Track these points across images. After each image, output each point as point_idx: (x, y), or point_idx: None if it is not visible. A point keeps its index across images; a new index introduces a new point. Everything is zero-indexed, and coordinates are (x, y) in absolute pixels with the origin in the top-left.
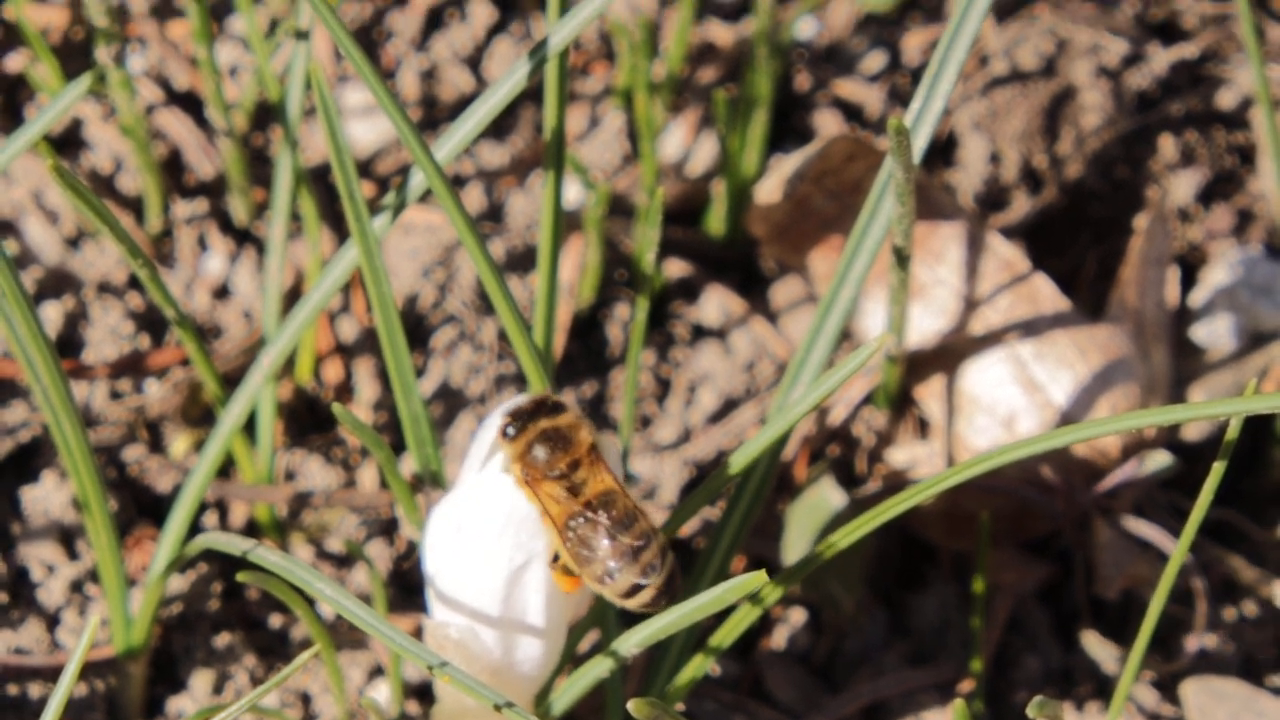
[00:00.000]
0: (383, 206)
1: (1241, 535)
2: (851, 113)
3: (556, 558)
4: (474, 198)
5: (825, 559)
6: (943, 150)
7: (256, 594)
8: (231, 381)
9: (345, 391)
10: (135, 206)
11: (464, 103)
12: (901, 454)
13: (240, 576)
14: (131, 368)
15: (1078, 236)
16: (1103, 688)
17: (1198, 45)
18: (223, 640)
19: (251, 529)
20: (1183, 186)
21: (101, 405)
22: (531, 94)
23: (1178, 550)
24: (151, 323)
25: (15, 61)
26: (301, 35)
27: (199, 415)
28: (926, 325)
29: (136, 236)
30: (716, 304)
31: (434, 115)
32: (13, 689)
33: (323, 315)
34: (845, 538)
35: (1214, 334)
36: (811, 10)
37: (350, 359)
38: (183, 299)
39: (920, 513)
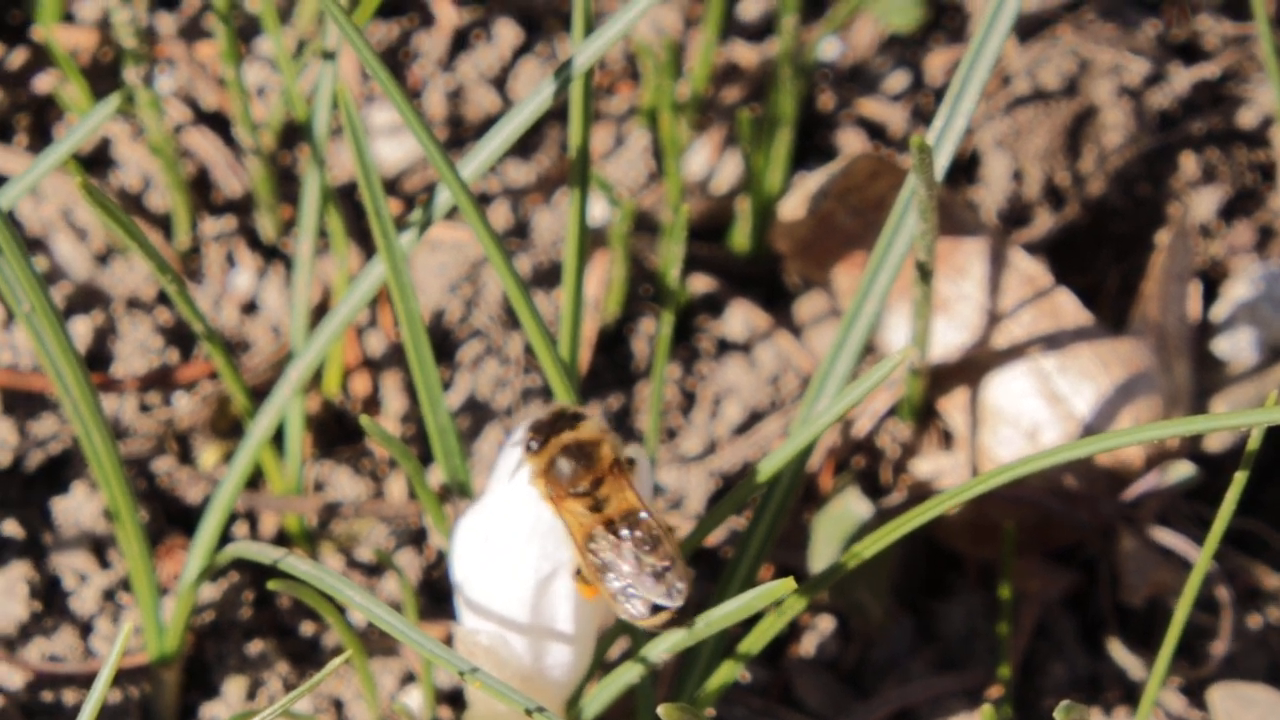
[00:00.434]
0: (409, 223)
1: (1264, 544)
2: (875, 131)
3: (579, 570)
4: (500, 215)
5: (852, 567)
6: (966, 168)
7: (288, 602)
8: (260, 395)
9: (373, 404)
10: (164, 224)
11: (490, 122)
12: (926, 465)
13: (271, 584)
14: (160, 381)
15: (1100, 252)
16: (1129, 694)
17: (1219, 65)
18: (255, 648)
19: (281, 539)
20: (1204, 203)
21: (131, 418)
22: (557, 113)
23: (1202, 558)
24: (180, 337)
25: (45, 82)
26: (328, 56)
27: (228, 427)
28: (950, 339)
29: (165, 253)
30: (741, 318)
31: (460, 134)
32: (47, 696)
33: (350, 330)
34: (871, 546)
35: (1236, 347)
36: (835, 31)
37: (378, 372)
38: (211, 314)
39: (945, 522)
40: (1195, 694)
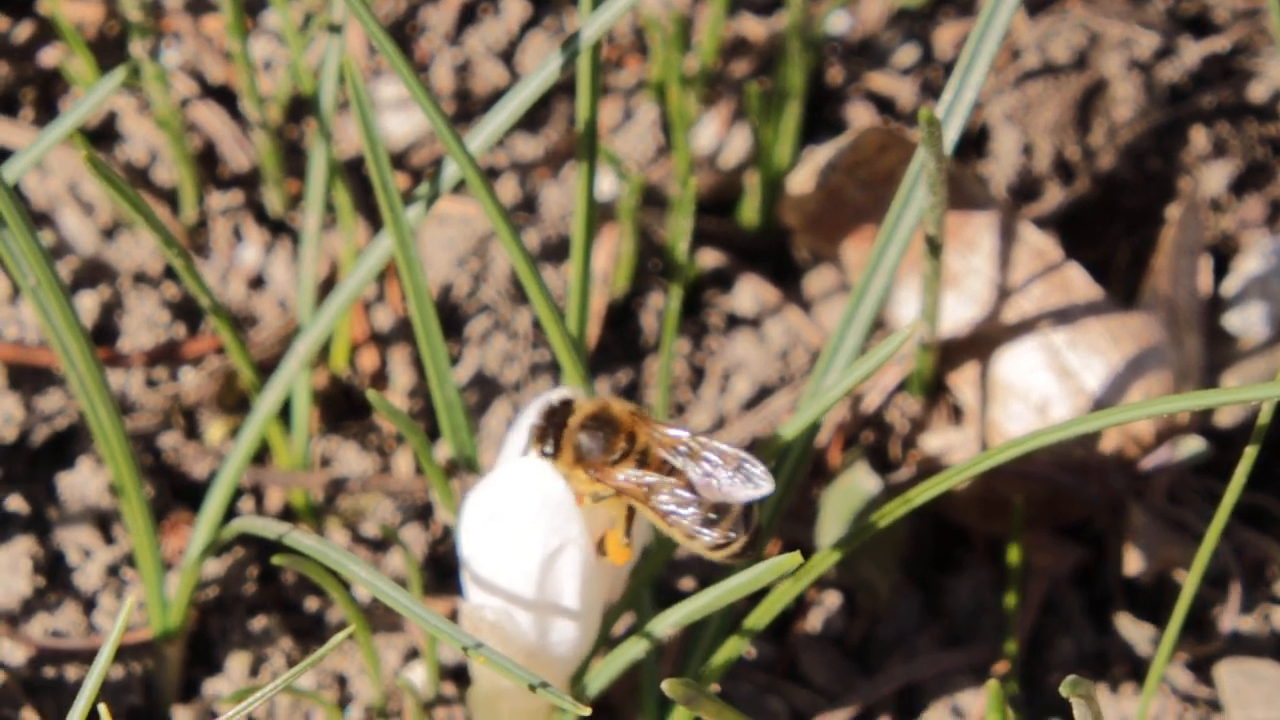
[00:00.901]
0: (417, 197)
1: (1274, 519)
2: (884, 105)
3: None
4: (508, 189)
5: (860, 542)
6: (975, 142)
7: (292, 578)
8: (266, 369)
9: (380, 379)
10: (170, 198)
11: (497, 96)
12: (935, 440)
13: (276, 560)
14: (167, 356)
15: (1110, 227)
16: (1137, 670)
17: (1229, 39)
18: (259, 623)
19: (287, 514)
20: (1214, 177)
21: (137, 393)
22: (565, 87)
23: (1211, 533)
24: (187, 312)
25: (50, 56)
26: (335, 29)
27: (234, 402)
28: (960, 313)
29: (171, 227)
30: (750, 293)
31: (468, 108)
32: (50, 672)
33: (358, 304)
34: (880, 522)
35: (1247, 322)
36: (844, 5)
37: (385, 347)
38: (218, 289)
39: (954, 497)
40: (1202, 670)
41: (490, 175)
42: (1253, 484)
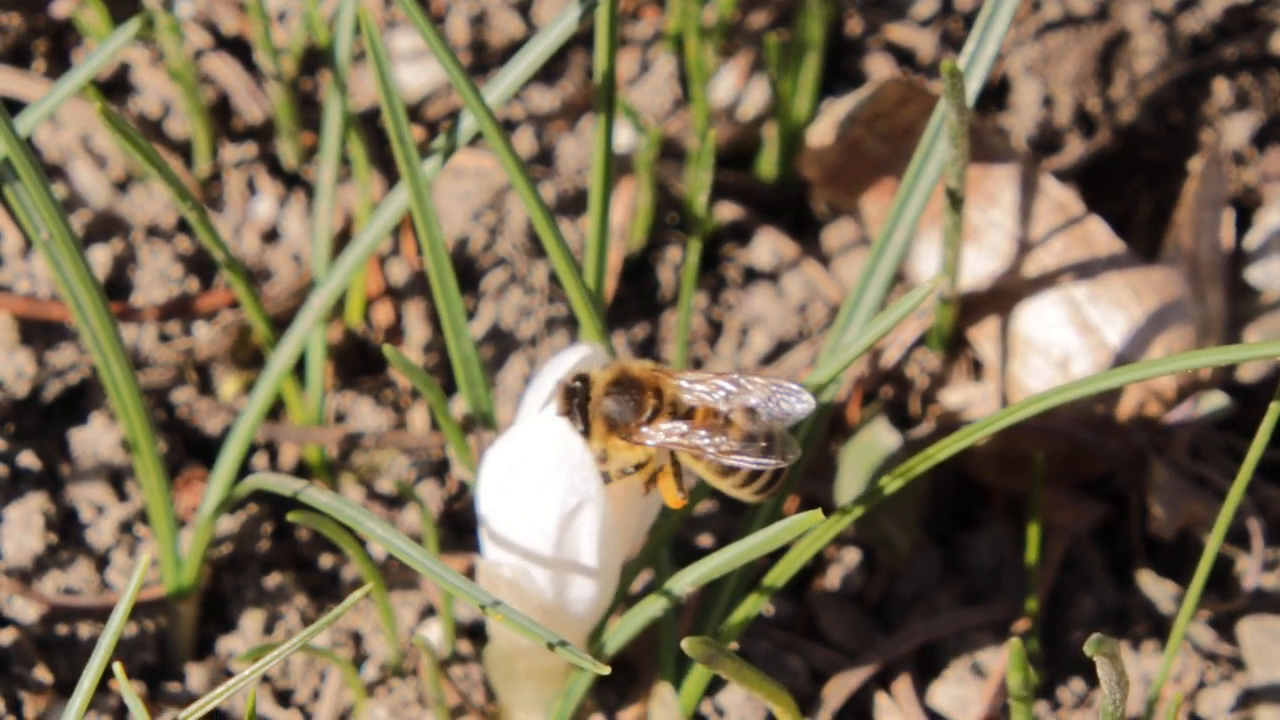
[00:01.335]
0: (433, 150)
1: None
2: (903, 57)
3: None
4: (524, 142)
5: (879, 499)
6: (995, 94)
7: (307, 534)
8: (280, 324)
9: (395, 334)
10: (184, 150)
11: (513, 48)
12: (955, 395)
13: (291, 516)
14: (180, 310)
15: (1131, 180)
16: (1158, 627)
17: None
18: (273, 580)
19: (301, 471)
20: (1237, 130)
21: (150, 348)
22: (582, 38)
23: (1234, 490)
24: (200, 266)
25: (63, 7)
26: None
27: (248, 357)
28: (980, 267)
29: (184, 180)
30: (768, 247)
31: (483, 60)
32: (62, 629)
33: (372, 258)
34: (899, 478)
35: (1269, 276)
36: None
37: (400, 302)
38: (231, 242)
39: (974, 453)
40: (1225, 627)
41: (506, 128)
42: (1276, 440)
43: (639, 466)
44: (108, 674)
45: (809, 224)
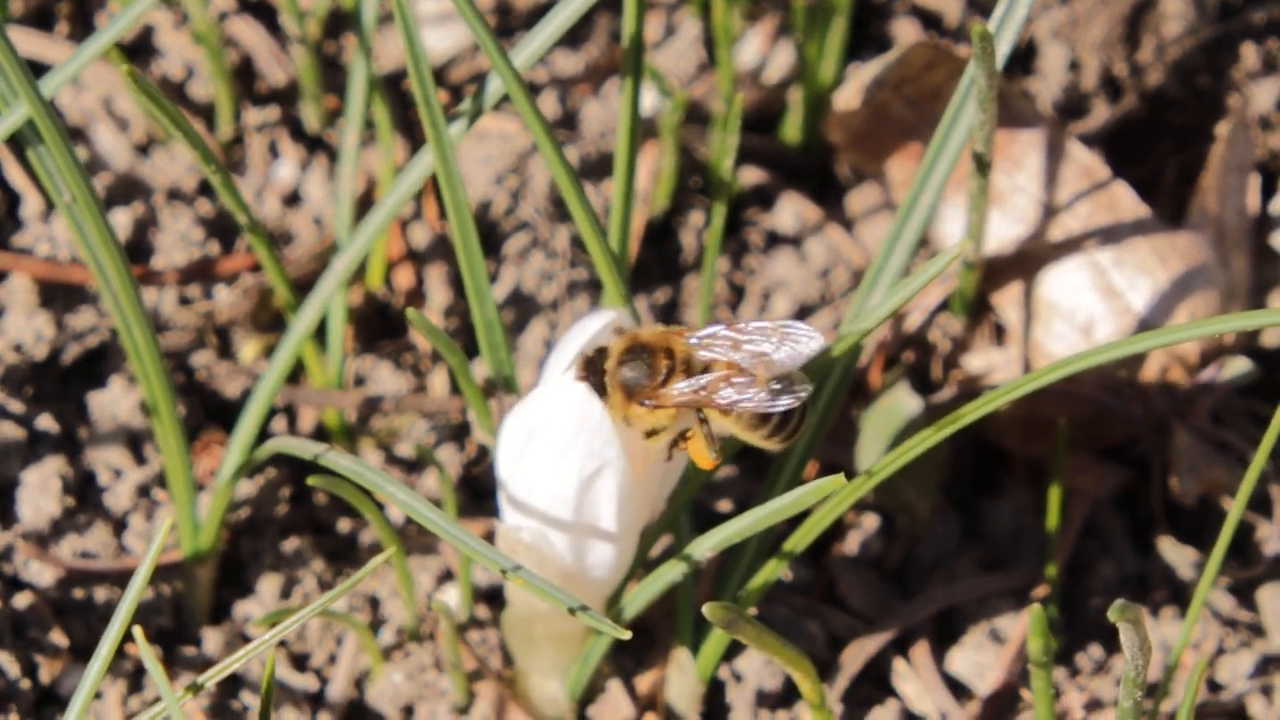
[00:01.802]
0: (458, 113)
1: None
2: (930, 21)
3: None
4: (548, 105)
5: (900, 465)
6: (1022, 59)
7: (325, 499)
8: (301, 287)
9: (416, 297)
10: (206, 114)
11: (538, 12)
12: (978, 360)
13: (311, 480)
14: (201, 273)
15: (1158, 144)
16: (1178, 593)
17: None
18: (291, 545)
19: (320, 434)
20: (1264, 94)
21: (171, 311)
22: (606, 2)
23: (1258, 456)
24: (221, 229)
25: None
26: None
27: (268, 321)
28: (1005, 232)
29: (207, 143)
30: (791, 211)
31: (508, 23)
32: (79, 592)
33: (394, 222)
34: (920, 444)
35: None
36: None
37: (421, 265)
38: (253, 205)
39: (995, 418)
40: (1245, 594)
41: (531, 91)
42: None
43: (658, 432)
44: (126, 638)
45: (833, 188)
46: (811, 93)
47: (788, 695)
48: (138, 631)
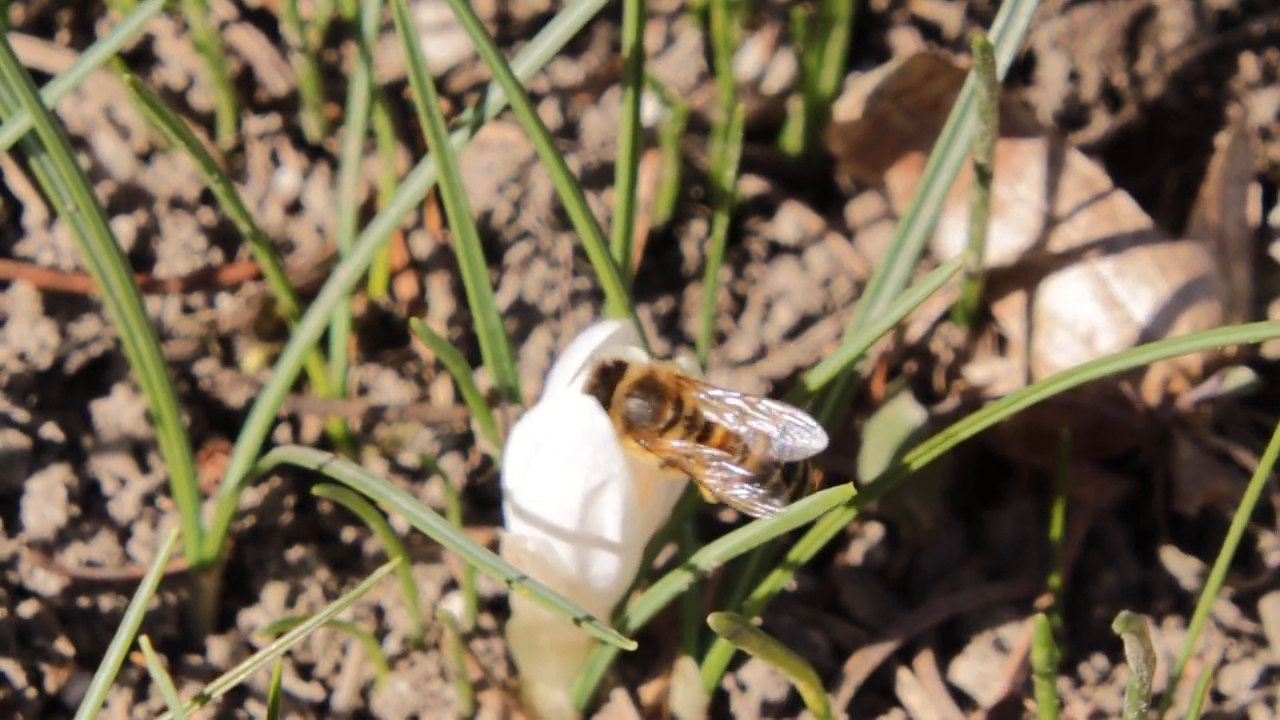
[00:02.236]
0: (460, 122)
1: None
2: (930, 31)
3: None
4: (549, 115)
5: (903, 475)
6: (1022, 69)
7: (329, 508)
8: (304, 296)
9: (419, 307)
10: (208, 122)
11: (539, 21)
12: (980, 370)
13: (316, 490)
14: (204, 282)
15: (1158, 155)
16: (1180, 603)
17: None
18: (296, 554)
19: (324, 444)
20: (1264, 105)
21: (174, 320)
22: (606, 12)
23: (1261, 466)
24: (224, 238)
25: None
26: None
27: (272, 330)
28: (1006, 242)
29: (209, 152)
30: (793, 221)
31: (508, 33)
32: (84, 601)
33: (396, 231)
34: (924, 454)
35: None
36: None
37: (424, 274)
38: (255, 214)
39: (999, 429)
40: (1248, 604)
41: (532, 101)
42: None
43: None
44: (133, 647)
45: (834, 198)
46: (812, 103)
47: (792, 705)
48: (144, 640)
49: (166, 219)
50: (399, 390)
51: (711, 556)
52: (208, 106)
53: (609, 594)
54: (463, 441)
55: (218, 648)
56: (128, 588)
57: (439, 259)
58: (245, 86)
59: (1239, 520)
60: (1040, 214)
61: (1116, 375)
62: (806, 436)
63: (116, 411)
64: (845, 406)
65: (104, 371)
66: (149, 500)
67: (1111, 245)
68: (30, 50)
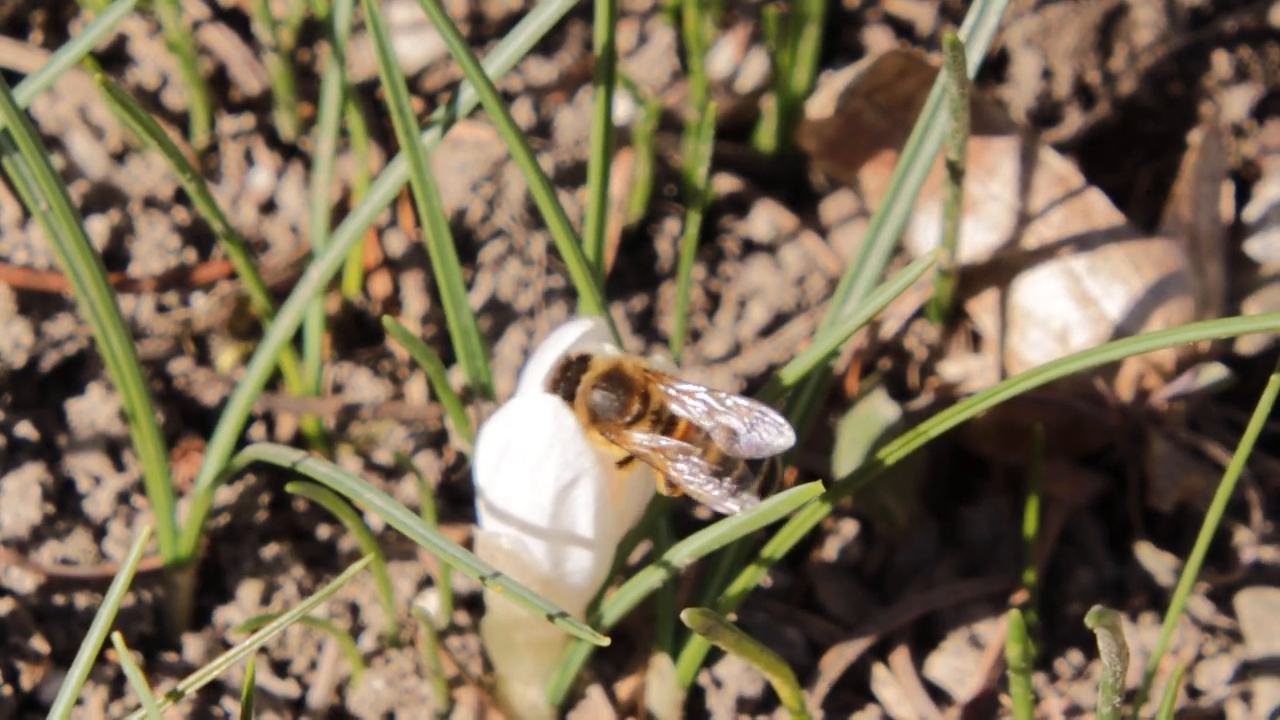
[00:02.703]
0: (432, 121)
1: None
2: (902, 29)
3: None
4: (522, 113)
5: (877, 471)
6: (994, 67)
7: (304, 505)
8: (278, 295)
9: (393, 305)
10: (181, 122)
11: (511, 20)
12: (954, 367)
13: (290, 487)
14: (178, 281)
15: (1131, 152)
16: (1155, 599)
17: None
18: (270, 551)
19: (299, 441)
20: (1236, 102)
21: (148, 318)
22: (579, 10)
23: (1234, 462)
24: (198, 237)
25: None
26: None
27: (246, 328)
28: (979, 240)
29: (182, 152)
30: (766, 219)
31: (481, 32)
32: (59, 599)
33: (370, 229)
34: (898, 450)
35: (1269, 248)
36: None
37: (398, 273)
38: (229, 213)
39: (973, 425)
40: (1223, 600)
41: (504, 99)
42: (1275, 412)
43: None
44: (104, 644)
45: (807, 196)
46: (785, 101)
47: (768, 701)
48: (118, 638)
49: (140, 218)
50: (373, 388)
51: (685, 553)
52: (181, 106)
53: (583, 590)
54: (437, 439)
55: (193, 645)
56: (103, 586)
57: (413, 257)
58: (218, 86)
59: (1213, 516)
60: (1013, 211)
61: (1090, 371)
62: (774, 433)
63: (91, 410)
64: (819, 403)
65: (78, 370)
66: (124, 498)
67: (1085, 242)
68: (3, 50)
